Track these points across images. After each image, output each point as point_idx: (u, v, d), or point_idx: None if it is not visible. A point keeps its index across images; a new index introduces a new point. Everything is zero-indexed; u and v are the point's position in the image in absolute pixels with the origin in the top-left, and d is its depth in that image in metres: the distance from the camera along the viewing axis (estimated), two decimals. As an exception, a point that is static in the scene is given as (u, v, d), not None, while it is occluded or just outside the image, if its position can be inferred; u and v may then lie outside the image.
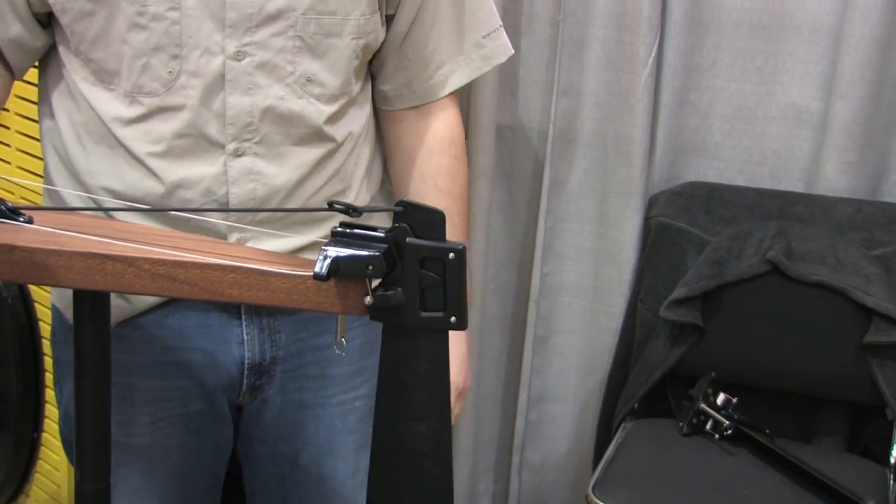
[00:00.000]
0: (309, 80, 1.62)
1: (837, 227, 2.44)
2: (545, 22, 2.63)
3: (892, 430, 2.36)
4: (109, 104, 1.56)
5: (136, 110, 1.54)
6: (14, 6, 1.58)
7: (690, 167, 2.65)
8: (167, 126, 1.55)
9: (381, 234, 1.25)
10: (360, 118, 1.73)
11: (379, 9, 1.67)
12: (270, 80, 1.59)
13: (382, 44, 1.74)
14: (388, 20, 1.72)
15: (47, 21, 1.61)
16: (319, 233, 1.65)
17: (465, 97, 2.66)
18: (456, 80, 1.79)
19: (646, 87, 2.53)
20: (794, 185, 2.55)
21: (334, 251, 1.23)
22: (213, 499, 1.87)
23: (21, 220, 1.28)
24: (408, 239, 1.23)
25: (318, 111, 1.63)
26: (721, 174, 2.61)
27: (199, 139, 1.57)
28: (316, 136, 1.65)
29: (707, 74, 2.57)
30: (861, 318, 2.32)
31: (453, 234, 1.51)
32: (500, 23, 1.85)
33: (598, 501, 2.20)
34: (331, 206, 1.33)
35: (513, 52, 1.89)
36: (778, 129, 2.55)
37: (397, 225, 1.24)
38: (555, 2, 2.60)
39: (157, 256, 1.24)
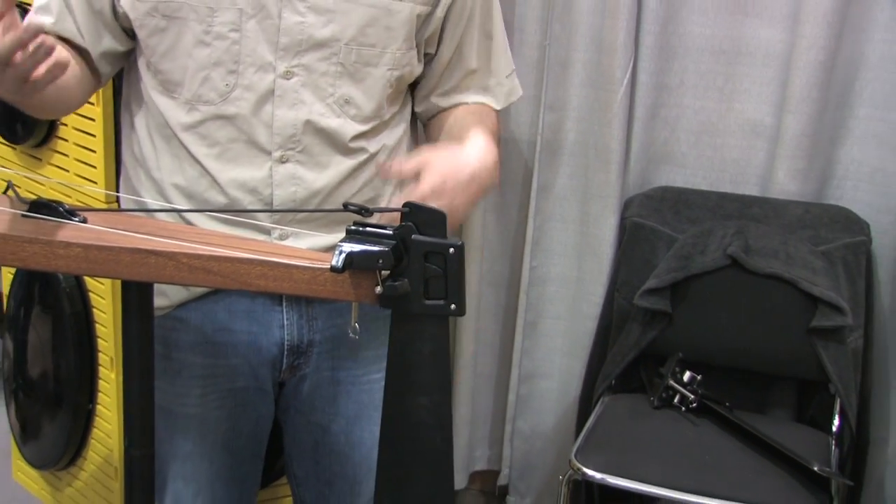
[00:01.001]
0: (346, 101, 1.61)
1: (788, 226, 2.47)
2: (534, 46, 2.65)
3: (834, 403, 2.39)
4: (173, 111, 1.57)
5: (194, 116, 1.56)
6: (105, 22, 1.60)
7: (661, 174, 2.67)
8: (221, 132, 1.56)
9: (390, 232, 1.26)
10: (392, 136, 1.71)
11: (417, 46, 1.67)
12: (313, 99, 1.58)
13: (423, 76, 1.74)
14: (428, 57, 1.72)
15: (132, 34, 1.61)
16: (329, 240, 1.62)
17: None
18: (474, 97, 1.76)
19: (621, 103, 2.55)
20: (750, 189, 2.58)
21: (349, 247, 1.25)
22: (255, 464, 1.85)
23: (76, 219, 1.30)
24: (413, 236, 1.26)
25: (352, 129, 1.62)
26: (687, 180, 2.63)
27: (249, 145, 1.57)
28: (350, 148, 1.63)
29: (675, 93, 2.59)
30: (808, 305, 2.34)
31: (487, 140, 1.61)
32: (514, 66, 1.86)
33: (579, 465, 2.21)
34: (345, 207, 1.37)
35: (522, 93, 1.89)
36: (736, 140, 2.57)
37: (404, 224, 1.26)
38: (542, 29, 2.62)
39: (193, 251, 1.26)
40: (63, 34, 1.59)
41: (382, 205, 1.68)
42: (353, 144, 1.63)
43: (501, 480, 3.00)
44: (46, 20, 1.58)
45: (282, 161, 1.58)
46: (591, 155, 2.64)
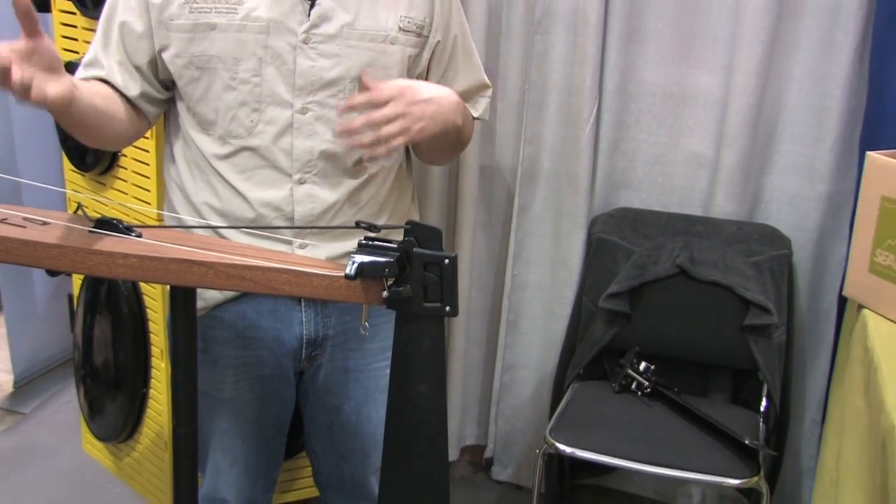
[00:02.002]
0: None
1: (725, 241, 2.49)
2: (515, 90, 2.66)
3: (762, 387, 2.40)
4: (209, 145, 1.59)
5: (226, 149, 1.58)
6: (141, 72, 1.60)
7: (621, 197, 2.68)
8: (250, 160, 1.57)
9: (395, 246, 1.28)
10: (390, 159, 1.69)
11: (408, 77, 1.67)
12: (325, 129, 1.59)
13: None
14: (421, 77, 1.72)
15: (171, 84, 1.63)
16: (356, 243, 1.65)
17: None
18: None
19: (588, 138, 2.57)
20: (694, 210, 2.59)
21: (360, 258, 1.27)
22: (280, 440, 1.85)
23: (133, 235, 1.32)
24: (414, 249, 1.27)
25: (358, 152, 1.61)
26: (643, 202, 2.65)
27: (273, 170, 1.58)
28: (357, 169, 1.63)
29: (632, 130, 2.61)
30: (742, 307, 2.36)
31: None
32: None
33: (553, 441, 2.22)
34: (357, 225, 1.39)
35: (487, 118, 1.89)
36: (683, 169, 2.59)
37: (406, 238, 1.28)
38: (522, 76, 2.63)
39: (231, 262, 1.28)
40: (107, 79, 1.60)
41: (384, 218, 1.71)
42: (359, 166, 1.63)
43: (487, 454, 2.99)
44: (99, 72, 1.60)
45: (300, 182, 1.59)
46: (563, 181, 2.66)
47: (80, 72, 1.64)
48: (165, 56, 1.57)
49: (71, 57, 2.34)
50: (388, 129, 1.46)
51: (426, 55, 1.68)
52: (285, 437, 1.87)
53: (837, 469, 1.97)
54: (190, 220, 1.66)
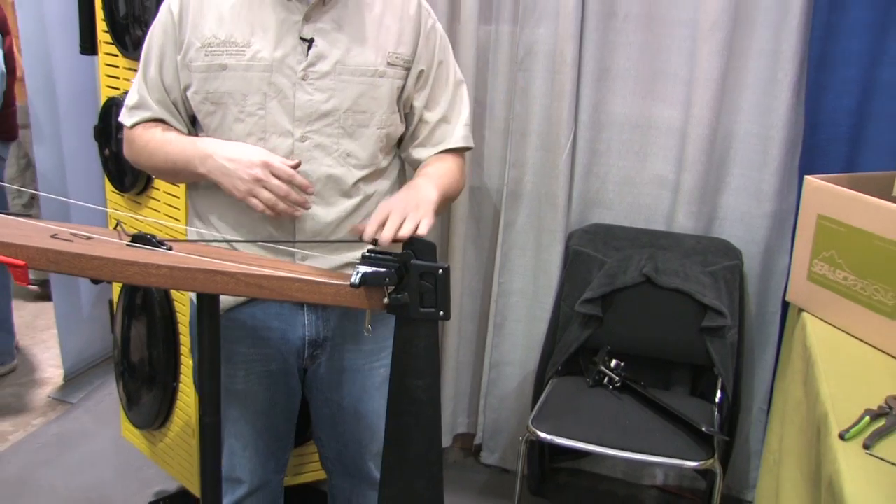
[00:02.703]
0: (348, 155, 1.61)
1: (686, 253, 2.49)
2: (501, 120, 2.67)
3: (717, 381, 2.41)
4: None
5: None
6: (177, 108, 1.63)
7: (594, 214, 2.68)
8: None
9: (394, 258, 1.30)
10: (384, 183, 1.69)
11: (398, 111, 1.66)
12: (323, 155, 1.59)
13: (406, 127, 1.72)
14: (407, 116, 1.71)
15: (193, 119, 1.65)
16: (353, 256, 1.60)
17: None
18: (452, 144, 1.73)
19: (565, 162, 2.58)
20: (658, 226, 2.60)
21: (363, 269, 1.29)
22: (289, 427, 1.84)
23: (165, 248, 1.34)
24: (412, 260, 1.29)
25: (353, 175, 1.61)
26: (614, 219, 2.64)
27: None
28: (353, 190, 1.62)
29: (604, 155, 2.62)
30: (700, 311, 2.38)
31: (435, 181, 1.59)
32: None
33: (535, 429, 2.24)
34: (360, 239, 1.43)
35: (473, 146, 1.81)
36: (649, 190, 2.60)
37: (405, 251, 1.30)
38: (507, 108, 2.64)
39: (249, 272, 1.29)
40: (157, 118, 1.64)
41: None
42: (354, 187, 1.62)
43: (476, 441, 2.98)
44: (148, 114, 1.63)
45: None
46: (543, 200, 2.66)
47: (130, 115, 1.66)
48: (189, 93, 1.60)
49: (112, 93, 2.36)
50: (405, 230, 1.40)
51: (410, 84, 1.67)
52: (293, 425, 1.87)
53: (780, 451, 1.99)
54: (213, 235, 1.66)
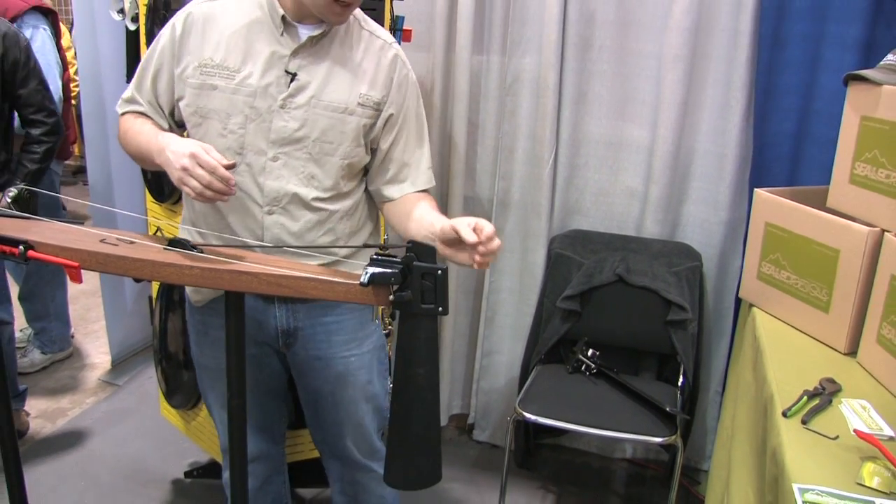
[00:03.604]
0: (312, 177, 1.58)
1: (653, 255, 2.50)
2: (492, 138, 2.67)
3: (680, 368, 2.41)
4: None
5: None
6: (164, 112, 1.62)
7: (573, 221, 2.68)
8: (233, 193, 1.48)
9: (398, 260, 1.26)
10: (346, 204, 1.65)
11: (364, 144, 1.62)
12: (290, 174, 1.56)
13: (371, 164, 1.67)
14: (374, 152, 1.66)
15: (181, 125, 1.63)
16: (327, 259, 1.60)
17: (444, 179, 2.67)
18: (410, 188, 1.67)
19: (548, 175, 2.58)
20: (629, 231, 2.60)
21: (372, 269, 1.26)
22: (276, 403, 1.83)
23: (197, 251, 1.31)
24: (414, 262, 1.25)
25: (314, 194, 1.58)
26: (591, 225, 2.65)
27: (250, 201, 1.57)
28: (314, 207, 1.60)
29: (582, 169, 2.62)
30: (665, 306, 2.39)
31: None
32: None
33: (521, 410, 2.24)
34: (365, 245, 1.44)
35: (434, 184, 1.74)
36: (621, 200, 2.60)
37: (408, 254, 1.26)
38: (497, 127, 2.64)
39: (271, 272, 1.26)
40: (146, 113, 1.63)
41: (340, 241, 1.66)
42: (316, 204, 1.60)
43: (470, 420, 2.98)
44: (138, 108, 1.63)
45: (269, 213, 1.58)
46: (529, 209, 2.66)
47: (122, 105, 1.66)
48: (181, 104, 1.59)
49: None
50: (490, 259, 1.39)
51: (379, 124, 1.63)
52: (283, 402, 1.85)
53: (732, 427, 2.00)
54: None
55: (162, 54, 1.61)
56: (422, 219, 1.58)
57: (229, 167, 1.41)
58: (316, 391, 1.76)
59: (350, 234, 1.68)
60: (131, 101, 1.66)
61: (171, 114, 1.65)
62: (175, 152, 1.42)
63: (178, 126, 1.66)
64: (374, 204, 1.74)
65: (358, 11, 1.62)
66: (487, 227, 1.38)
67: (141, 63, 1.65)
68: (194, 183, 1.39)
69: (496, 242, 1.38)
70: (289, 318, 1.68)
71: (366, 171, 1.70)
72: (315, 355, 1.72)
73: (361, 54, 1.61)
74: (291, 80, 1.54)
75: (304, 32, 1.56)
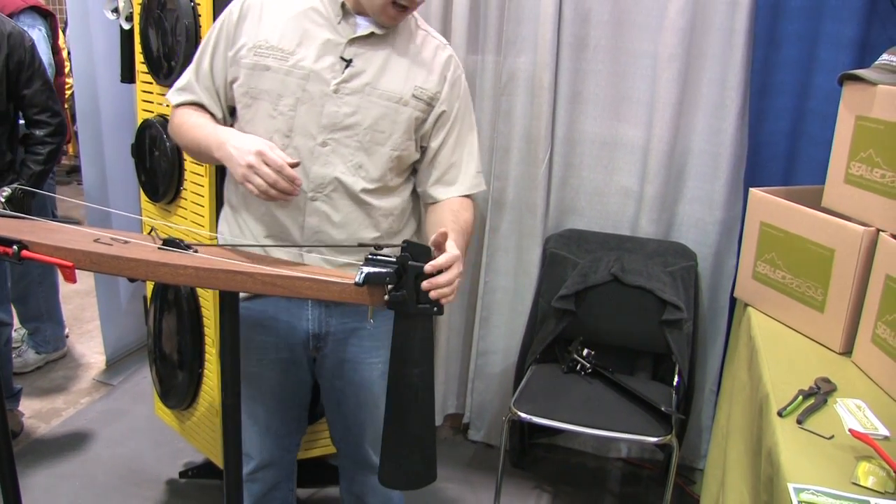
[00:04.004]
0: (360, 166, 1.57)
1: (648, 255, 2.50)
2: (487, 138, 2.65)
3: (675, 367, 2.40)
4: None
5: None
6: (219, 97, 1.63)
7: (568, 220, 2.68)
8: None
9: (394, 259, 1.28)
10: (397, 200, 1.64)
11: (415, 139, 1.62)
12: (338, 161, 1.55)
13: (420, 162, 1.67)
14: (423, 149, 1.66)
15: (233, 112, 1.64)
16: (355, 257, 1.57)
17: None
18: (456, 192, 1.67)
19: (543, 175, 2.58)
20: (624, 231, 2.60)
21: (367, 269, 1.27)
22: (298, 412, 1.83)
23: (191, 251, 1.32)
24: (409, 262, 1.27)
25: (361, 185, 1.57)
26: (586, 225, 2.65)
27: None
28: (361, 200, 1.59)
29: (577, 168, 2.61)
30: (660, 306, 2.37)
31: (459, 239, 1.46)
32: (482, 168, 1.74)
33: (516, 410, 2.23)
34: (360, 244, 1.45)
35: (485, 188, 1.76)
36: (616, 199, 2.60)
37: (403, 254, 1.28)
38: (492, 127, 2.64)
39: (265, 272, 1.27)
40: (198, 103, 1.64)
41: (384, 241, 1.63)
42: (361, 196, 1.58)
43: (465, 420, 2.98)
44: (191, 97, 1.64)
45: (312, 200, 1.57)
46: (524, 208, 2.66)
47: (176, 95, 1.66)
48: (234, 85, 1.60)
49: (147, 115, 2.35)
50: (451, 297, 1.34)
51: (430, 120, 1.63)
52: (303, 413, 1.84)
53: (727, 427, 2.00)
54: (227, 234, 1.65)
55: (218, 39, 1.62)
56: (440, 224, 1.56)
57: (293, 165, 1.43)
58: (340, 391, 1.77)
59: (393, 232, 1.68)
60: (186, 88, 1.66)
61: (226, 100, 1.65)
62: (239, 148, 1.45)
63: (231, 114, 1.67)
64: (418, 206, 1.75)
65: (416, 12, 1.62)
66: (443, 260, 1.31)
67: (198, 50, 1.66)
68: (259, 181, 1.41)
69: (443, 281, 1.31)
70: (321, 322, 1.69)
71: (414, 171, 1.71)
72: (344, 358, 1.73)
73: (417, 49, 1.62)
74: (346, 66, 1.55)
75: (362, 23, 1.57)
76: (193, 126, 1.61)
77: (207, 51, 1.64)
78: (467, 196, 1.70)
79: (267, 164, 1.41)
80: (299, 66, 1.54)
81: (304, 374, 1.77)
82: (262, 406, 1.75)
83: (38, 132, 2.59)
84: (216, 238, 1.74)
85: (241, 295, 1.62)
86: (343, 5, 1.56)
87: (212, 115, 1.66)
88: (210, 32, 1.64)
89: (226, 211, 1.72)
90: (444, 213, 1.62)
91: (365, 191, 1.59)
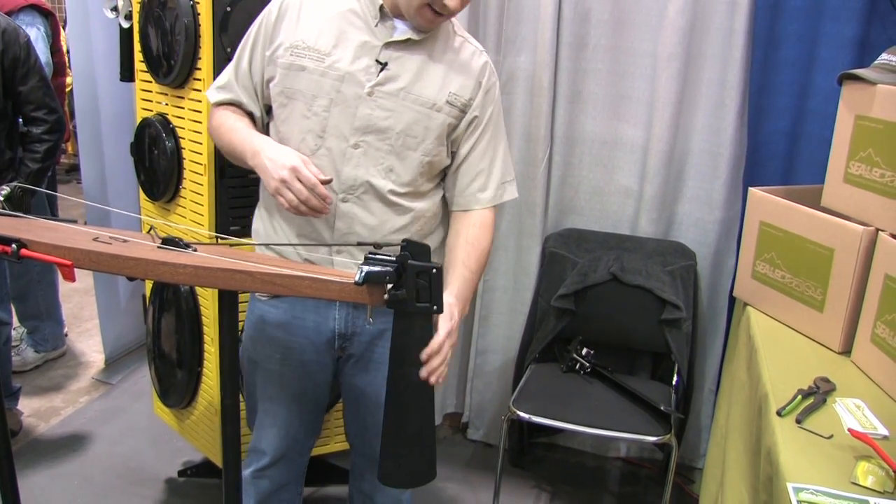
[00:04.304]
0: (390, 170, 1.56)
1: (648, 254, 2.50)
2: None
3: (674, 367, 2.42)
4: None
5: None
6: (257, 96, 1.64)
7: (568, 220, 2.69)
8: None
9: (394, 258, 1.27)
10: (422, 206, 1.63)
11: (446, 144, 1.61)
12: (369, 164, 1.55)
13: (449, 168, 1.66)
14: (454, 155, 1.64)
15: (268, 110, 1.65)
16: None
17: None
18: (484, 201, 1.65)
19: (542, 174, 2.59)
20: (624, 230, 2.60)
21: (367, 268, 1.26)
22: (316, 415, 1.81)
23: (190, 250, 1.31)
24: (409, 261, 1.26)
25: (392, 190, 1.57)
26: (585, 224, 2.65)
27: (326, 188, 1.50)
28: (391, 202, 1.58)
29: (576, 167, 2.62)
30: (659, 305, 2.38)
31: (464, 287, 1.55)
32: (514, 175, 1.73)
33: (515, 409, 2.24)
34: (359, 244, 1.43)
35: (517, 196, 1.73)
36: (615, 199, 2.60)
37: (403, 253, 1.27)
38: None
39: (265, 271, 1.26)
40: (236, 102, 1.65)
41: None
42: (391, 198, 1.58)
43: (464, 419, 2.98)
44: (230, 96, 1.65)
45: (343, 201, 1.56)
46: (523, 208, 2.66)
47: (215, 93, 1.68)
48: (271, 85, 1.60)
49: (146, 114, 2.35)
50: (442, 377, 1.39)
51: (462, 126, 1.62)
52: (321, 414, 1.84)
53: (727, 426, 2.01)
54: (265, 230, 1.66)
55: (256, 37, 1.63)
56: (453, 263, 1.60)
57: (326, 182, 1.44)
58: (360, 390, 1.76)
59: (423, 236, 1.67)
60: (226, 87, 1.67)
61: (262, 98, 1.66)
62: (273, 160, 1.46)
63: (268, 113, 1.67)
64: (447, 212, 1.73)
65: (454, 18, 1.62)
66: (435, 346, 1.37)
67: (238, 49, 1.67)
68: (290, 196, 1.43)
69: (437, 363, 1.37)
70: (347, 322, 1.68)
71: (444, 176, 1.70)
72: (370, 358, 1.72)
73: (454, 56, 1.61)
74: (381, 70, 1.54)
75: (400, 27, 1.56)
76: (230, 129, 1.62)
77: (246, 49, 1.65)
78: (494, 206, 1.68)
79: (300, 181, 1.42)
80: (335, 67, 1.54)
81: (326, 376, 1.77)
82: (279, 405, 1.75)
83: (35, 129, 2.57)
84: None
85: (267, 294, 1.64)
86: (381, 7, 1.55)
87: (250, 113, 1.67)
88: (249, 31, 1.65)
89: (260, 211, 1.72)
90: (458, 244, 1.62)
91: (394, 192, 1.59)
